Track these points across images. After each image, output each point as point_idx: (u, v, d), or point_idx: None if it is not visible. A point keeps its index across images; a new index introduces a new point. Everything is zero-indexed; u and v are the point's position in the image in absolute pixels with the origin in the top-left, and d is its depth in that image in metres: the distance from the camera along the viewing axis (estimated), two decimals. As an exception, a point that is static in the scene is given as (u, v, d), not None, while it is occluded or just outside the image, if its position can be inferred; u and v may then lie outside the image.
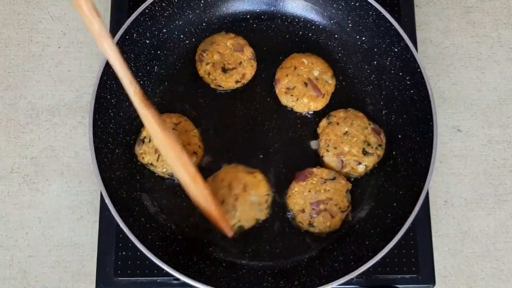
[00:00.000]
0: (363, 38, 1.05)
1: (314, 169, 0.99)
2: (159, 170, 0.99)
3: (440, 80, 1.14)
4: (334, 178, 0.98)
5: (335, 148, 1.00)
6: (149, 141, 0.99)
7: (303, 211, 0.97)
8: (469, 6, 1.18)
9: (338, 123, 1.01)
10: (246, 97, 1.05)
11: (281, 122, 1.04)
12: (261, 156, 1.02)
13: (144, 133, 1.00)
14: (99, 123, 0.95)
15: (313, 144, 1.03)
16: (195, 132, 1.01)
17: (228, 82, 1.04)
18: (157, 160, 0.98)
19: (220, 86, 1.04)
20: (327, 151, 1.00)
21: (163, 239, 0.96)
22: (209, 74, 1.04)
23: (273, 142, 1.02)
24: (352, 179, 1.01)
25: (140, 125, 0.99)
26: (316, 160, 1.01)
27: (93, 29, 0.81)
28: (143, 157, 0.99)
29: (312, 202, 0.97)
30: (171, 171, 0.98)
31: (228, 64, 1.04)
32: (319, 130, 1.02)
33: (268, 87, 1.06)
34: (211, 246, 0.98)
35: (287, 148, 1.02)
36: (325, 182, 0.98)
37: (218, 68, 1.03)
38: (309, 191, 0.98)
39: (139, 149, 1.00)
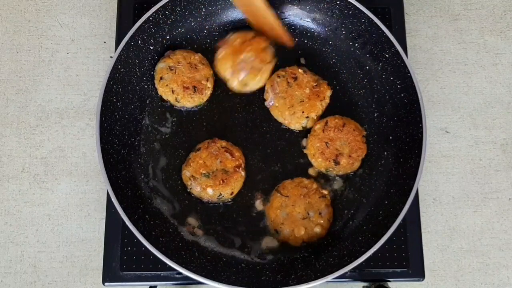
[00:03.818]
0: (356, 45, 1.05)
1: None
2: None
3: (429, 84, 1.14)
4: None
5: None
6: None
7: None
8: (456, 14, 1.18)
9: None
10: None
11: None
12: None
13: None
14: (105, 125, 0.95)
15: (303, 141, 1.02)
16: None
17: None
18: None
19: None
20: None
21: (166, 235, 0.96)
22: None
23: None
24: (345, 178, 1.00)
25: (143, 127, 1.00)
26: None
27: None
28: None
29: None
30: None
31: None
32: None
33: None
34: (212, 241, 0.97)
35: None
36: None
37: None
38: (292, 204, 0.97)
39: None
